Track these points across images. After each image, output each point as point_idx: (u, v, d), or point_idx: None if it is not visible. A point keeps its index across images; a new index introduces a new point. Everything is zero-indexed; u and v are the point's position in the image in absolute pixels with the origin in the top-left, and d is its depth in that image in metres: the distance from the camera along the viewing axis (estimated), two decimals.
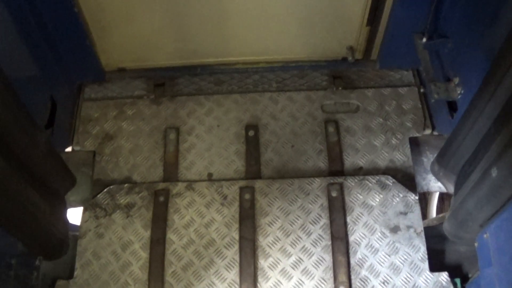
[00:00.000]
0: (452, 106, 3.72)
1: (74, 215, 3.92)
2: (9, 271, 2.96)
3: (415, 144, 4.01)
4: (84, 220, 3.70)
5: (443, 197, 4.83)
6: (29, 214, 3.03)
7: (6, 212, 2.84)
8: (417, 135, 4.02)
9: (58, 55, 3.91)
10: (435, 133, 4.05)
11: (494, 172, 2.72)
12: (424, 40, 3.74)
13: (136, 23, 3.99)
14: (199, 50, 4.26)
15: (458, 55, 3.56)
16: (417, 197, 3.68)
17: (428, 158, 3.94)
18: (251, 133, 4.02)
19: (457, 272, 3.51)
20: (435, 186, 3.87)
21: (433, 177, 3.85)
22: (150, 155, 3.97)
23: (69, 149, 4.08)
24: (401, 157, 3.91)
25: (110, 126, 4.09)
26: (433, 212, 4.64)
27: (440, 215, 4.01)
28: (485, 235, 3.05)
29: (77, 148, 4.05)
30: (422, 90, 4.19)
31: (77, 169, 3.92)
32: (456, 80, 3.55)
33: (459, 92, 3.52)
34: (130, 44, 4.17)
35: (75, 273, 3.52)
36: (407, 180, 3.81)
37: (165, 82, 4.31)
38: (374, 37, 4.15)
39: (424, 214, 4.60)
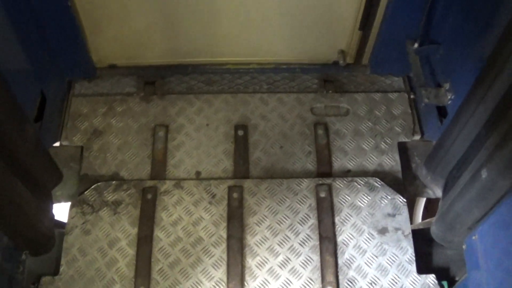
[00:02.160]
0: (441, 112, 3.75)
1: (60, 211, 3.88)
2: None
3: (404, 150, 4.03)
4: (71, 216, 3.67)
5: (427, 206, 4.84)
6: (16, 206, 3.00)
7: None
8: (406, 140, 4.04)
9: (49, 50, 3.89)
10: (424, 139, 4.07)
11: (484, 174, 2.73)
12: (416, 46, 3.78)
13: (128, 20, 3.98)
14: (191, 49, 4.26)
15: (449, 61, 3.59)
16: (405, 200, 3.70)
17: (417, 163, 3.95)
18: (240, 132, 4.02)
19: (444, 274, 3.52)
20: (423, 192, 3.88)
21: (421, 183, 3.86)
22: (138, 152, 3.95)
23: (57, 144, 4.05)
24: (390, 161, 3.92)
25: (99, 122, 4.07)
26: (418, 218, 4.65)
27: (427, 220, 4.04)
28: (473, 237, 3.07)
29: (65, 143, 4.02)
30: (412, 96, 4.21)
31: (65, 164, 3.90)
32: (447, 86, 3.57)
33: (449, 97, 3.54)
34: (122, 41, 4.16)
35: (61, 269, 3.48)
36: (395, 184, 3.81)
37: (156, 81, 4.29)
38: (366, 41, 4.16)
39: (410, 220, 4.61)
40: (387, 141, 4.01)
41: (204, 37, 4.15)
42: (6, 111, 2.87)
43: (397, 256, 3.51)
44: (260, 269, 3.49)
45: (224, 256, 3.53)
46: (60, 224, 3.76)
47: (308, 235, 3.58)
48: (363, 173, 3.88)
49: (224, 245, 3.56)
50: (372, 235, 3.58)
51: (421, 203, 4.65)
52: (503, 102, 2.65)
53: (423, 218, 4.69)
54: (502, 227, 2.82)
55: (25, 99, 3.26)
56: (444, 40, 3.66)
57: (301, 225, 3.62)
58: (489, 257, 2.92)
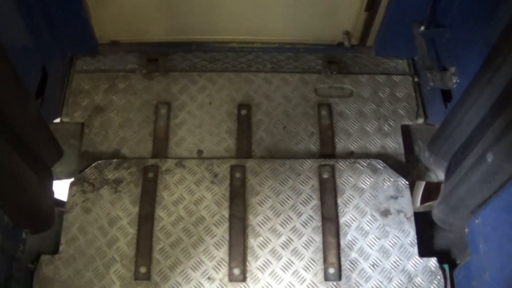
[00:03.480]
0: (446, 96, 3.73)
1: (59, 190, 3.85)
2: None
3: (407, 133, 4.01)
4: (71, 194, 3.64)
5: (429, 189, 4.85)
6: (16, 183, 2.98)
7: None
8: (410, 123, 4.03)
9: (51, 26, 3.84)
10: (428, 122, 4.06)
11: (489, 157, 2.73)
12: (422, 28, 3.77)
13: None
14: (195, 27, 4.24)
15: (455, 45, 3.57)
16: (407, 182, 3.69)
17: (420, 147, 3.94)
18: (243, 112, 4.00)
19: (446, 258, 3.52)
20: (425, 175, 3.87)
21: (424, 166, 3.85)
22: (140, 129, 3.93)
23: (57, 120, 4.03)
24: (393, 144, 3.91)
25: (101, 99, 4.05)
26: (417, 202, 4.65)
27: (428, 203, 4.03)
28: (476, 221, 3.07)
29: (66, 119, 4.00)
30: (416, 79, 4.20)
31: (65, 140, 3.87)
32: (452, 69, 3.56)
33: (454, 81, 3.53)
34: (125, 17, 4.12)
35: (61, 248, 3.47)
36: (398, 167, 3.80)
37: (159, 58, 4.26)
38: (371, 23, 4.14)
39: None
40: (391, 123, 3.99)
41: (208, 14, 4.12)
42: (8, 87, 2.85)
43: (399, 239, 3.50)
44: (262, 250, 3.48)
45: (226, 236, 3.52)
46: (60, 203, 3.74)
47: (310, 216, 3.58)
48: (366, 155, 3.87)
49: (226, 225, 3.55)
50: (375, 217, 3.57)
51: (421, 187, 4.65)
52: (510, 86, 2.64)
53: (422, 202, 4.69)
54: (505, 211, 2.82)
55: (26, 74, 3.23)
56: (451, 23, 3.64)
57: (303, 205, 3.61)
58: (491, 241, 2.93)
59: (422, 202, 4.67)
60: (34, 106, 3.23)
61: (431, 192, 4.69)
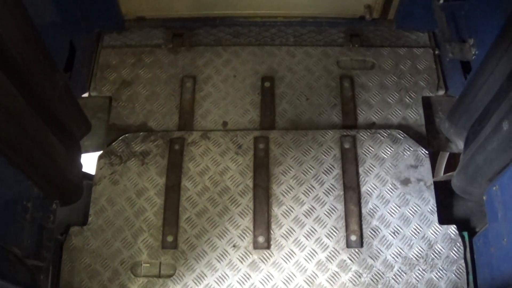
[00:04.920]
0: (465, 68, 3.77)
1: (87, 164, 3.95)
2: (25, 214, 2.98)
3: (428, 104, 4.06)
4: (99, 167, 3.75)
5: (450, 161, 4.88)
6: (46, 155, 3.07)
7: (24, 152, 2.87)
8: (430, 95, 4.07)
9: (79, 2, 3.93)
10: (448, 94, 4.10)
11: (505, 126, 2.77)
12: (441, 1, 3.78)
13: None
14: (219, 2, 4.32)
15: (474, 17, 3.60)
16: (427, 152, 3.75)
17: (440, 118, 3.99)
18: (267, 84, 4.07)
19: (465, 225, 3.58)
20: (446, 146, 3.92)
21: (444, 137, 3.90)
22: (166, 102, 4.02)
23: (86, 94, 4.13)
24: (414, 115, 3.97)
25: (128, 73, 4.14)
26: (441, 173, 4.69)
27: (449, 174, 4.06)
28: (494, 188, 3.11)
29: (94, 93, 4.10)
30: (437, 52, 4.23)
31: (93, 114, 3.97)
32: (471, 41, 3.60)
33: (473, 53, 3.57)
34: None
35: (89, 219, 3.57)
36: (418, 138, 3.87)
37: (184, 33, 4.34)
38: None
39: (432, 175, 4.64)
40: (412, 95, 4.04)
41: None
42: (37, 61, 2.93)
43: (419, 207, 3.57)
44: (285, 218, 3.56)
45: (251, 205, 3.61)
46: (88, 176, 3.85)
47: (332, 185, 3.65)
48: (388, 126, 3.92)
49: (250, 195, 3.64)
50: (395, 185, 3.64)
51: (444, 158, 4.68)
52: None
53: (446, 173, 4.73)
54: None
55: (55, 49, 3.29)
56: None
57: (325, 175, 3.69)
58: (509, 208, 2.97)
59: (446, 172, 4.70)
60: (62, 78, 3.30)
61: (456, 162, 4.73)
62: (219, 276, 3.43)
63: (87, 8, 4.05)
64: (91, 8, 4.08)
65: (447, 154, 4.61)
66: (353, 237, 3.49)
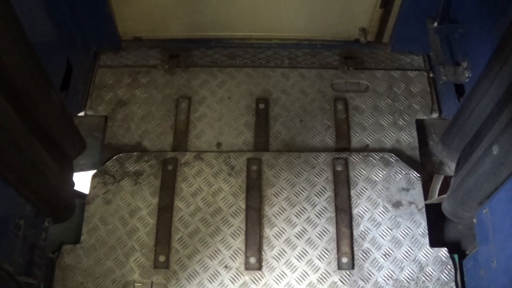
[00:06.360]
0: (459, 91, 3.79)
1: (80, 183, 3.96)
2: (18, 231, 2.97)
3: (422, 127, 4.08)
4: (92, 186, 3.77)
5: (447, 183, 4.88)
6: (39, 172, 3.07)
7: (17, 169, 2.87)
8: (424, 117, 4.09)
9: (77, 20, 3.97)
10: (442, 117, 4.12)
11: (495, 150, 2.78)
12: (436, 24, 3.82)
13: None
14: (215, 23, 4.34)
15: (467, 40, 3.63)
16: (419, 175, 3.77)
17: (434, 141, 4.00)
18: (261, 106, 4.10)
19: (455, 248, 3.59)
20: (439, 168, 3.93)
21: (438, 160, 3.91)
22: (161, 122, 4.04)
23: (81, 113, 4.15)
24: (407, 138, 3.99)
25: (124, 93, 4.17)
26: (435, 195, 4.70)
27: (440, 196, 4.09)
28: (484, 211, 3.12)
29: (89, 112, 4.12)
30: (431, 75, 4.26)
31: (89, 133, 3.98)
32: (465, 64, 3.62)
33: (467, 75, 3.59)
34: (148, 13, 4.23)
35: (82, 238, 3.59)
36: (412, 160, 3.89)
37: (180, 53, 4.37)
38: (387, 19, 4.21)
39: (426, 197, 4.65)
40: (405, 118, 4.06)
41: (228, 11, 4.22)
42: (33, 79, 2.94)
43: (410, 229, 3.58)
44: (277, 239, 3.57)
45: (243, 226, 3.62)
46: (81, 195, 3.86)
47: (324, 207, 3.67)
48: (381, 149, 3.95)
49: (242, 216, 3.65)
50: (387, 208, 3.66)
51: (439, 181, 4.70)
52: None
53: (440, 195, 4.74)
54: None
55: (51, 68, 3.31)
56: (463, 19, 3.69)
57: (317, 197, 3.70)
58: (499, 231, 2.98)
59: (441, 194, 4.71)
60: (58, 97, 3.31)
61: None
62: None
63: (84, 28, 4.09)
64: (88, 27, 4.12)
65: (442, 176, 4.62)
66: (345, 259, 3.50)
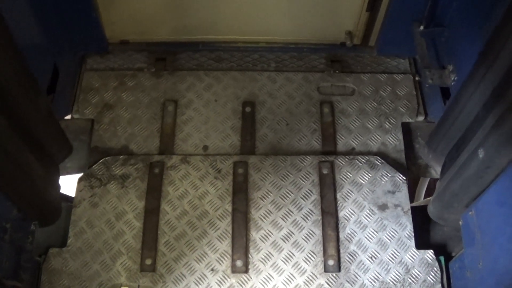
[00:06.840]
0: (445, 94, 3.80)
1: (66, 186, 3.96)
2: (4, 235, 2.98)
3: (408, 130, 4.10)
4: (79, 189, 3.76)
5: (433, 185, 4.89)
6: (25, 176, 3.07)
7: (3, 173, 2.87)
8: (410, 120, 4.11)
9: (63, 24, 3.96)
10: (428, 120, 4.14)
11: (481, 153, 2.81)
12: (422, 28, 3.84)
13: None
14: (201, 27, 4.34)
15: (453, 43, 3.64)
16: (405, 178, 3.79)
17: (420, 144, 4.02)
18: (248, 109, 4.10)
19: (441, 250, 3.61)
20: (426, 171, 3.95)
21: (424, 163, 3.94)
22: (147, 125, 4.04)
23: (68, 117, 4.13)
24: (393, 141, 4.00)
25: (110, 96, 4.16)
26: (421, 197, 4.71)
27: (426, 199, 4.10)
28: (470, 213, 3.14)
29: (76, 116, 4.11)
30: (417, 78, 4.27)
31: (76, 136, 3.98)
32: (451, 67, 3.63)
33: (452, 79, 3.60)
34: (135, 17, 4.23)
35: (68, 241, 3.58)
36: (398, 163, 3.90)
37: (167, 57, 4.37)
38: (373, 23, 4.22)
39: (412, 200, 4.66)
40: (391, 121, 4.08)
41: (215, 15, 4.23)
42: (20, 82, 2.93)
43: (396, 232, 3.60)
44: (264, 242, 3.58)
45: (229, 229, 3.62)
46: (67, 198, 3.85)
47: (310, 210, 3.68)
48: (367, 152, 3.96)
49: (229, 219, 3.65)
50: (373, 211, 3.67)
51: (425, 183, 4.71)
52: (501, 84, 2.71)
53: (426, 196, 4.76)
54: (498, 204, 2.89)
55: (38, 71, 3.29)
56: (449, 23, 3.71)
57: (304, 200, 3.71)
58: (485, 233, 3.00)
59: (426, 197, 4.72)
60: (44, 101, 3.31)
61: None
62: None
63: (71, 31, 4.07)
64: (75, 31, 4.10)
65: (428, 179, 4.63)
66: (331, 262, 3.51)
